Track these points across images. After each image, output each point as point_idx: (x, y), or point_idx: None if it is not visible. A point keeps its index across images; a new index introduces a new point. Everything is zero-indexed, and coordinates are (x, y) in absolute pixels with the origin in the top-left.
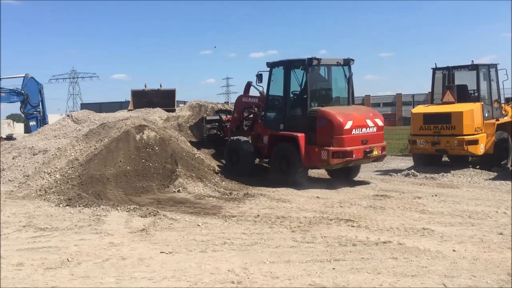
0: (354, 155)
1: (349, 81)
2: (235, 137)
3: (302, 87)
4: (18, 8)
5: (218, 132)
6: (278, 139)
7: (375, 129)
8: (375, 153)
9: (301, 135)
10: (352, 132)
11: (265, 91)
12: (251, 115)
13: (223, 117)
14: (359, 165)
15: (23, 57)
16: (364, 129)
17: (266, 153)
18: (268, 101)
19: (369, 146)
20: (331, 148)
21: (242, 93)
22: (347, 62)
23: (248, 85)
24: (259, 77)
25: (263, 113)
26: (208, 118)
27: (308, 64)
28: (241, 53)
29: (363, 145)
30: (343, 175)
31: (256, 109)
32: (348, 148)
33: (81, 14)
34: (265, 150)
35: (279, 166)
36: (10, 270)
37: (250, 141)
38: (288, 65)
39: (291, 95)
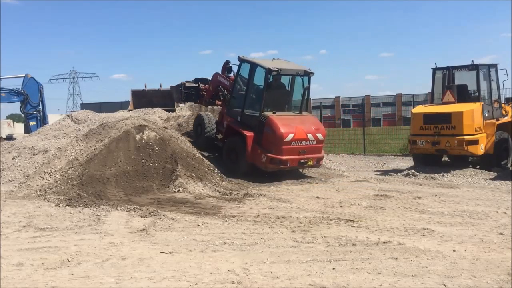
0: (288, 164)
1: (305, 91)
2: (202, 113)
3: (260, 91)
4: (18, 8)
5: (195, 98)
6: (233, 131)
7: (314, 142)
8: (309, 163)
9: (250, 135)
10: (292, 144)
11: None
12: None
13: (202, 85)
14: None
15: (23, 57)
16: (303, 142)
17: (222, 138)
18: (234, 92)
19: (305, 157)
20: (270, 155)
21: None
22: (307, 74)
23: (226, 64)
24: (229, 69)
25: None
26: (187, 84)
27: (267, 73)
28: (241, 53)
29: (299, 155)
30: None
31: (227, 90)
32: (284, 158)
33: (81, 14)
34: (223, 134)
35: (229, 155)
36: (10, 270)
37: (214, 120)
38: (253, 67)
39: (251, 94)
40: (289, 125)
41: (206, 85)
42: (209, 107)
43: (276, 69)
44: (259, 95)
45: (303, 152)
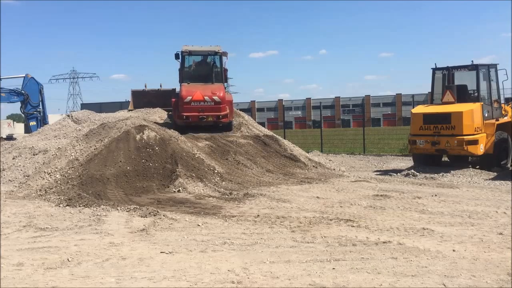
0: (190, 119)
1: (214, 66)
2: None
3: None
4: (18, 8)
5: None
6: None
7: (212, 103)
8: (209, 119)
9: (174, 100)
10: (191, 104)
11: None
12: None
13: None
14: (229, 124)
15: (23, 57)
16: (201, 103)
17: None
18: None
19: (204, 114)
20: (178, 112)
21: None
22: (216, 53)
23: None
24: (176, 56)
25: None
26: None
27: (182, 54)
28: (241, 53)
29: (198, 113)
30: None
31: None
32: (185, 114)
33: (81, 14)
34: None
35: (172, 118)
36: (10, 270)
37: None
38: (181, 53)
39: (182, 73)
40: (190, 90)
41: None
42: None
43: (187, 50)
44: (180, 72)
45: (201, 110)
